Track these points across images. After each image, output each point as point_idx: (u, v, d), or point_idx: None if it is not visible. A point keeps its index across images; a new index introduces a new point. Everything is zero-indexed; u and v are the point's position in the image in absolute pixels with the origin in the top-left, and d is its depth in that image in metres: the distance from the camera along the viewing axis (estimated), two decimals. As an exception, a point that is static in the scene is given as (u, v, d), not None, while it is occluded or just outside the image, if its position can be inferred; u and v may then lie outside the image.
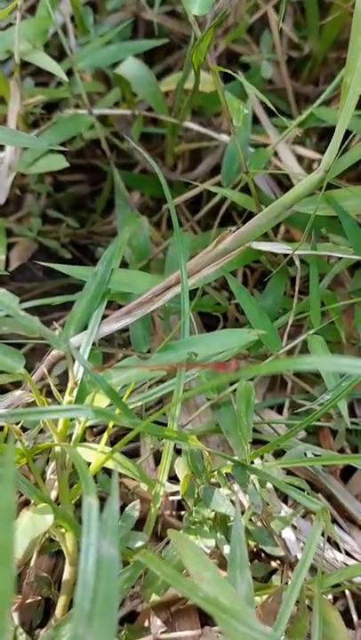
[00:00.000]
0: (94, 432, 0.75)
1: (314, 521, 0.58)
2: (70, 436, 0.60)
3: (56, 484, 0.60)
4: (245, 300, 0.72)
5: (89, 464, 0.59)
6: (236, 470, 0.61)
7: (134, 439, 0.76)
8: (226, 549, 0.61)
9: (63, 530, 0.58)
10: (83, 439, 0.65)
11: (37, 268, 0.95)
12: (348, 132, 0.65)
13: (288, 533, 0.67)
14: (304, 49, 1.02)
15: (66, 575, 0.59)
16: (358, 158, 0.67)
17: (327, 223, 0.76)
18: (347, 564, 0.68)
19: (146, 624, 0.62)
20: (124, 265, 0.80)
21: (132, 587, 0.62)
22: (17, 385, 0.74)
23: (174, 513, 0.70)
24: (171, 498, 0.71)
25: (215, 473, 0.63)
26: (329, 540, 0.69)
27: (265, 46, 0.95)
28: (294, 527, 0.69)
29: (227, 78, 0.98)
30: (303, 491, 0.61)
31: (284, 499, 0.72)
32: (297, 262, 0.75)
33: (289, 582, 0.65)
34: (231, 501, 0.61)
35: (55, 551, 0.66)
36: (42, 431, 0.67)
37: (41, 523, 0.52)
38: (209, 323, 0.88)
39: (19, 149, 0.81)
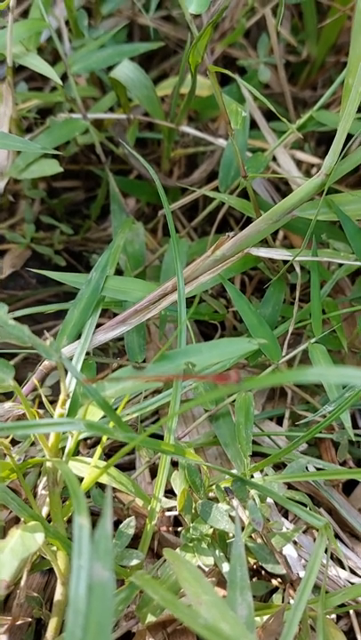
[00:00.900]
0: (88, 444, 0.73)
1: (317, 538, 0.55)
2: (63, 449, 0.58)
3: (48, 499, 0.58)
4: (244, 307, 0.70)
5: (82, 479, 0.57)
6: (235, 485, 0.59)
7: (130, 451, 0.73)
8: (225, 568, 0.59)
9: (55, 548, 0.55)
10: (76, 452, 0.63)
11: (31, 275, 0.93)
12: (347, 137, 0.63)
13: (289, 550, 0.65)
14: (302, 53, 1.01)
15: (57, 596, 0.57)
16: (360, 162, 0.66)
17: (327, 229, 0.75)
18: (351, 582, 0.65)
19: (142, 646, 0.60)
20: (119, 273, 0.78)
21: (128, 606, 0.60)
22: (9, 395, 0.72)
23: (171, 529, 0.68)
24: (167, 513, 0.68)
25: (213, 487, 0.61)
26: (332, 556, 0.67)
27: (262, 49, 0.93)
28: (295, 543, 0.66)
29: (223, 83, 0.97)
30: (305, 506, 0.59)
31: (285, 512, 0.70)
32: (297, 269, 0.73)
33: (291, 601, 0.63)
34: (230, 517, 0.59)
35: (48, 568, 0.63)
36: (34, 443, 0.64)
37: (31, 542, 0.50)
38: (206, 331, 0.86)
39: (11, 154, 0.79)
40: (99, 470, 0.55)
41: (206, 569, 0.60)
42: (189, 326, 0.76)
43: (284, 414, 0.76)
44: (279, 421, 0.76)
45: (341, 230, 0.73)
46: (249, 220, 0.70)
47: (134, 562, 0.57)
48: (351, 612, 0.65)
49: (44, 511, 0.59)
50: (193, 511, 0.60)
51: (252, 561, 0.64)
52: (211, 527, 0.59)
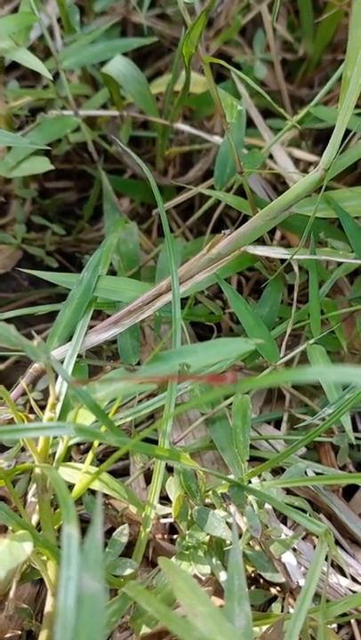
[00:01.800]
0: (81, 449, 0.71)
1: (317, 545, 0.54)
2: (54, 454, 0.56)
3: (38, 507, 0.56)
4: (241, 308, 0.68)
5: (73, 486, 0.55)
6: (232, 490, 0.57)
7: (124, 457, 0.71)
8: (222, 576, 0.57)
9: (45, 557, 0.53)
10: (68, 458, 0.61)
11: (23, 277, 0.91)
12: (345, 133, 0.62)
13: (289, 557, 0.63)
14: (298, 51, 0.99)
15: (48, 607, 0.55)
16: (359, 157, 0.64)
17: (326, 227, 0.73)
18: (352, 590, 0.63)
19: (136, 658, 0.58)
20: (112, 273, 0.76)
21: (122, 616, 0.58)
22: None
23: (166, 536, 0.66)
24: (163, 520, 0.66)
25: (210, 493, 0.59)
26: (332, 563, 0.65)
27: (258, 46, 0.92)
28: (295, 550, 0.64)
29: (218, 80, 0.95)
30: (304, 512, 0.57)
31: (283, 519, 0.68)
32: (295, 268, 0.71)
33: (290, 611, 0.61)
34: (227, 524, 0.57)
35: (39, 578, 0.61)
36: (24, 449, 0.62)
37: (19, 552, 0.48)
38: (202, 333, 0.84)
39: (0, 152, 0.77)
40: (90, 476, 0.53)
41: (203, 578, 0.58)
42: (185, 328, 0.74)
43: (283, 417, 0.74)
44: (277, 425, 0.74)
45: (340, 229, 0.71)
46: (245, 220, 0.68)
47: (128, 571, 0.55)
48: (353, 621, 0.63)
49: (34, 519, 0.57)
50: (189, 518, 0.58)
51: (250, 569, 0.62)
52: (207, 534, 0.57)
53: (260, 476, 0.62)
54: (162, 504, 0.61)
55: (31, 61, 0.73)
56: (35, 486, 0.58)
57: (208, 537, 0.57)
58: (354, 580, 0.65)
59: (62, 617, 0.38)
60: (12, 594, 0.55)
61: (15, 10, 0.96)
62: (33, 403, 0.53)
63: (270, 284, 0.72)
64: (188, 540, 0.57)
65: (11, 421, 0.61)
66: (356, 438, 0.68)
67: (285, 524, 0.68)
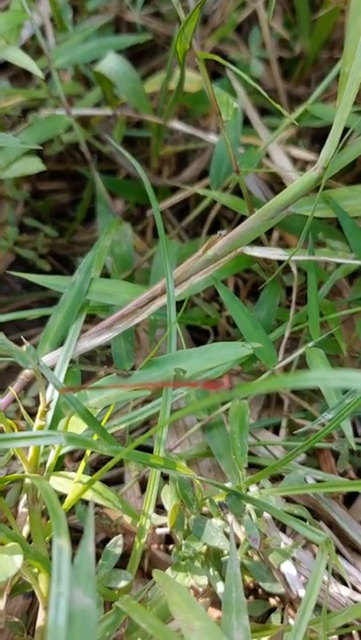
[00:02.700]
0: (75, 458, 0.69)
1: (317, 554, 0.52)
2: (45, 463, 0.54)
3: (28, 518, 0.54)
4: (238, 310, 0.66)
5: (65, 496, 0.53)
6: (229, 499, 0.56)
7: (118, 464, 0.70)
8: (219, 587, 0.55)
9: (36, 570, 0.52)
10: (61, 466, 0.59)
11: (16, 281, 0.89)
12: (344, 130, 0.60)
13: (288, 567, 0.62)
14: (295, 49, 0.98)
15: (40, 621, 0.53)
16: (358, 155, 0.62)
17: (324, 227, 0.71)
18: (353, 600, 0.62)
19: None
20: (105, 276, 0.74)
21: (117, 629, 0.56)
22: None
23: (162, 547, 0.64)
24: (158, 530, 0.64)
25: (207, 502, 0.58)
26: (333, 572, 0.63)
27: (254, 43, 0.90)
28: (294, 559, 0.63)
29: (213, 78, 0.94)
30: (304, 520, 0.55)
31: (282, 527, 0.66)
32: (294, 269, 0.69)
33: (290, 622, 0.59)
34: (225, 534, 0.55)
35: (31, 591, 0.60)
36: (15, 457, 0.60)
37: (9, 565, 0.46)
38: (198, 337, 0.82)
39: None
40: (83, 486, 0.51)
41: (200, 589, 0.56)
42: (180, 331, 0.72)
43: (281, 423, 0.72)
44: (276, 430, 0.73)
45: (339, 229, 0.69)
46: (242, 220, 0.66)
47: (122, 583, 0.54)
48: (354, 632, 0.62)
49: (25, 530, 0.55)
50: (185, 527, 0.57)
51: (248, 579, 0.60)
52: (204, 544, 0.55)
53: (258, 483, 0.60)
54: (157, 513, 0.60)
55: (23, 60, 0.71)
56: (25, 497, 0.56)
57: (205, 547, 0.56)
58: (355, 589, 0.63)
59: (52, 634, 0.36)
60: (2, 607, 0.53)
61: (6, 8, 0.95)
62: (23, 410, 0.51)
63: (268, 285, 0.71)
64: (185, 551, 0.55)
65: (1, 430, 0.59)
66: (357, 444, 0.66)
67: (285, 532, 0.66)
